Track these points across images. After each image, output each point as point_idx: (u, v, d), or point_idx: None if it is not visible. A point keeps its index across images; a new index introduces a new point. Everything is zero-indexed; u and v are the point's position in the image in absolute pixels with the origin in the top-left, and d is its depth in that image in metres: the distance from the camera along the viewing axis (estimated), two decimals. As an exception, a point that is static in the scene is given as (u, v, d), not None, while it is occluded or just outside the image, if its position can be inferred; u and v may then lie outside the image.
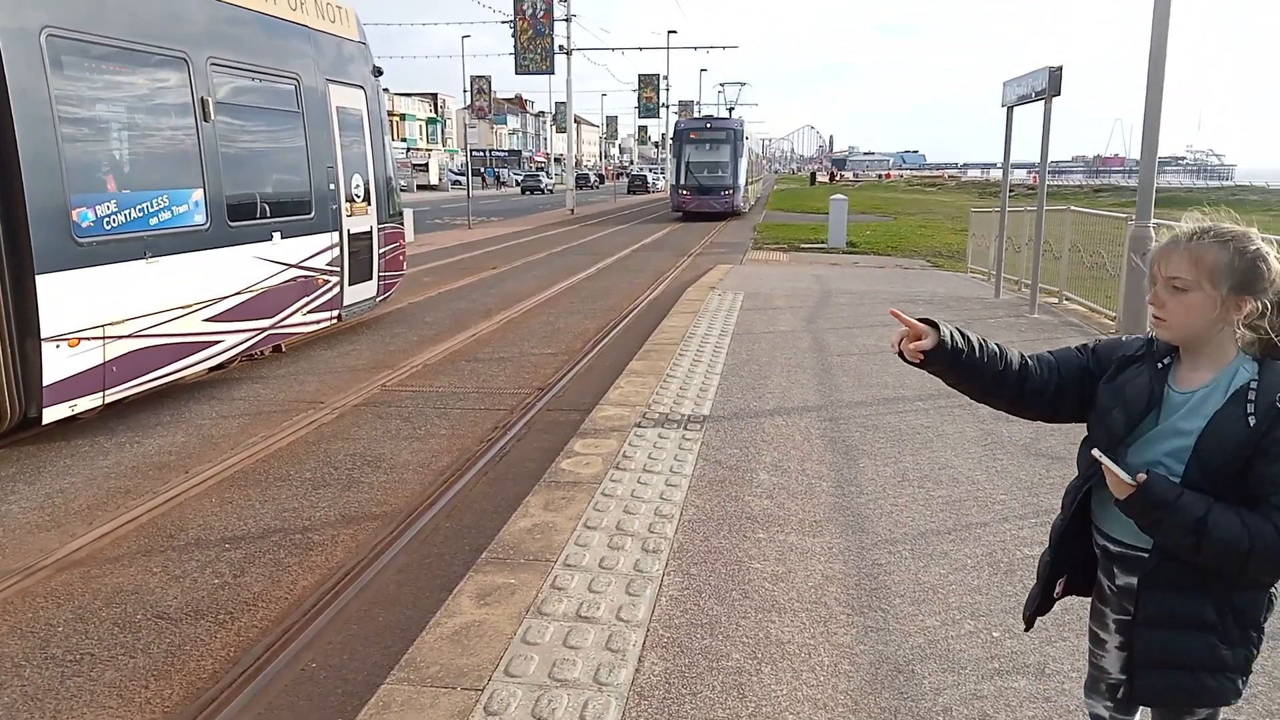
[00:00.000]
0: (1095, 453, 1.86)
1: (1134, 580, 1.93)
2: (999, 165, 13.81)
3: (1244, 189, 74.56)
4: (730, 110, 44.88)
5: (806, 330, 10.09)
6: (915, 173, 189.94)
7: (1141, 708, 2.09)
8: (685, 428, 6.16)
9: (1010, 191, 13.21)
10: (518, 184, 71.64)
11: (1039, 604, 2.15)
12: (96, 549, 4.68)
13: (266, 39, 8.62)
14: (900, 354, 1.98)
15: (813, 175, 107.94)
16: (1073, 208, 12.75)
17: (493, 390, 7.97)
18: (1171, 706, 1.97)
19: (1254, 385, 1.78)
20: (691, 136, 37.39)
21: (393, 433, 6.68)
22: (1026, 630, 2.26)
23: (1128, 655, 1.98)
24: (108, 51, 6.54)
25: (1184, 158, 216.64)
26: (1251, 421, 1.75)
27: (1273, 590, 1.87)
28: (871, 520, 4.59)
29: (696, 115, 47.32)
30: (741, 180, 36.54)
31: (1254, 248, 1.80)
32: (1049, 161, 11.40)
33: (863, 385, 7.47)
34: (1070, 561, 2.07)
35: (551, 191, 63.31)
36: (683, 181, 36.65)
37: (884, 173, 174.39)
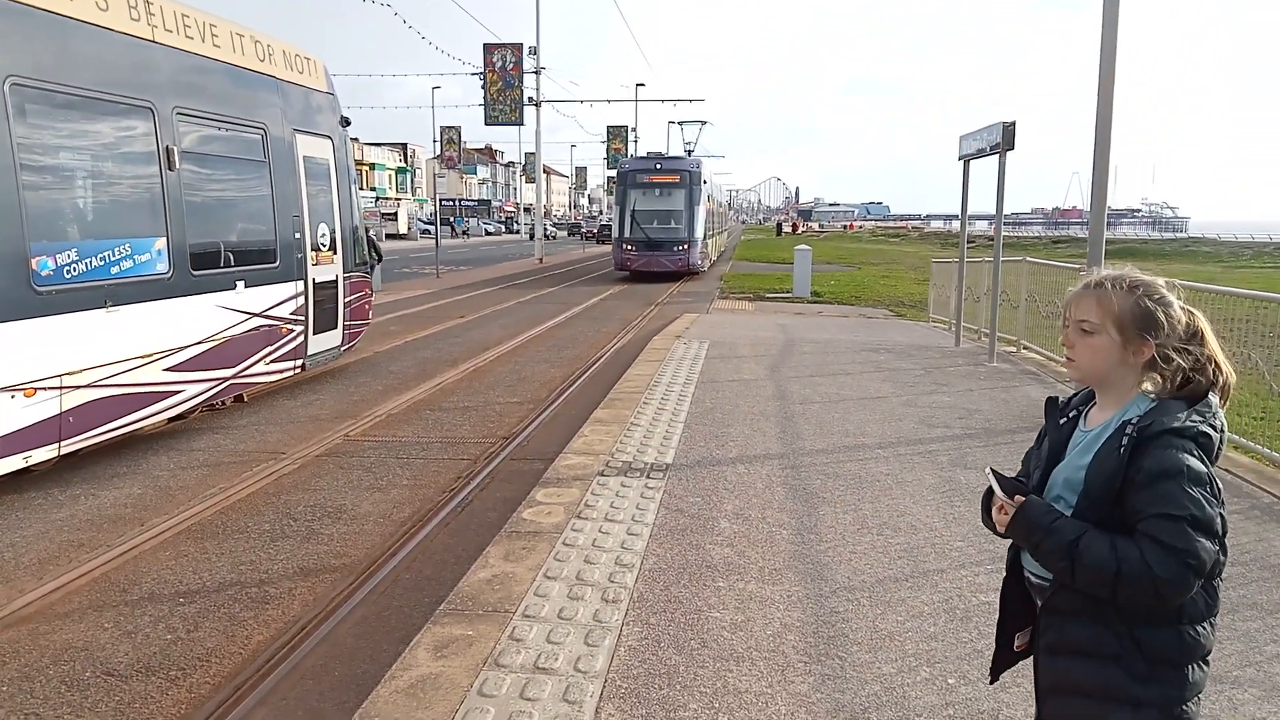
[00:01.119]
0: (987, 470, 1.98)
1: None
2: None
3: (1196, 240, 76.62)
4: (689, 152, 35.63)
5: (770, 379, 10.18)
6: (879, 224, 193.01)
7: None
8: (648, 476, 6.17)
9: (971, 242, 13.49)
10: (528, 231, 77.69)
11: (998, 660, 2.17)
12: (46, 604, 4.58)
13: (234, 89, 8.69)
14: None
15: (779, 226, 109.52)
16: (1029, 259, 13.04)
17: (456, 440, 7.95)
18: None
19: (1134, 419, 1.85)
20: (638, 180, 30.13)
21: (354, 483, 6.63)
22: (992, 683, 2.29)
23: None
24: (72, 100, 6.55)
25: (1139, 210, 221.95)
26: (1121, 452, 1.82)
27: (1193, 630, 1.82)
28: (831, 568, 4.62)
29: (643, 154, 36.41)
30: (699, 232, 29.85)
31: (1157, 295, 1.91)
32: (1007, 213, 11.66)
33: (824, 433, 7.54)
34: (1022, 619, 2.09)
35: (554, 237, 74.21)
36: (627, 234, 29.37)
37: (848, 223, 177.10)
